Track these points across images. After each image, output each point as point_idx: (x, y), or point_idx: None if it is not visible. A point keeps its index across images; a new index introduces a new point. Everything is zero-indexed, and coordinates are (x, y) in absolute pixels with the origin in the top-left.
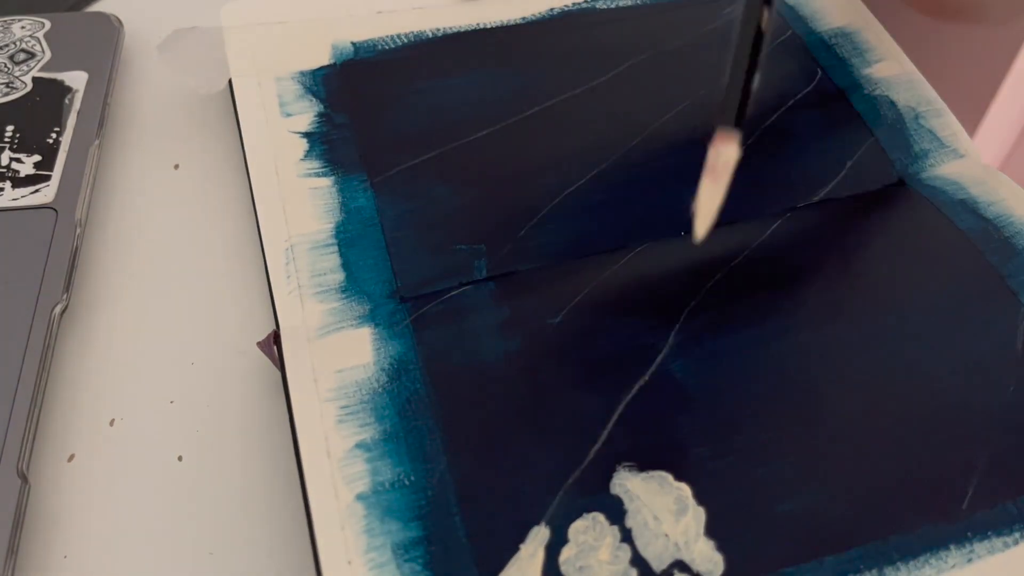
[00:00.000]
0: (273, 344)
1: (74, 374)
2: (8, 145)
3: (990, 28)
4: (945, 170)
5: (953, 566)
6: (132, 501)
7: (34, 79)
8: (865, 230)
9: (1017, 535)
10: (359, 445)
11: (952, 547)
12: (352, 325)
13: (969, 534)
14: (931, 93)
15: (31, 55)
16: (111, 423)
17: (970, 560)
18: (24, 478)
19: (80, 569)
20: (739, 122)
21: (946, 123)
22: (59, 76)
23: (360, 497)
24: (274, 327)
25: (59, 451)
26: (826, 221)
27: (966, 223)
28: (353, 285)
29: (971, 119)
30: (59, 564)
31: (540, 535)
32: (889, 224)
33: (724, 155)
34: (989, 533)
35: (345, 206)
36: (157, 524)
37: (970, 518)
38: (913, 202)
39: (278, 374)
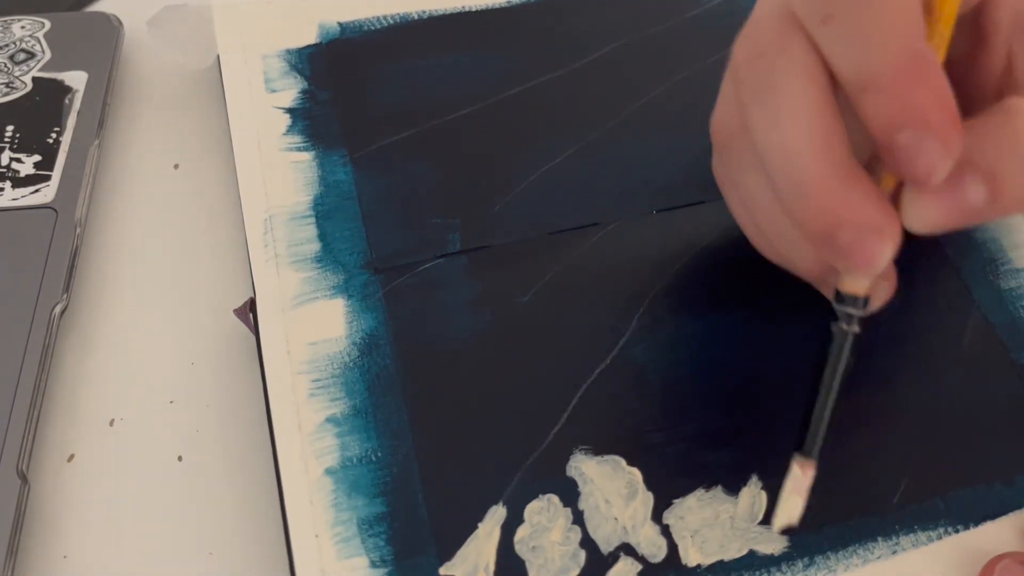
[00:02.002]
0: (249, 311)
1: (74, 374)
2: (8, 145)
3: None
4: None
5: (879, 557)
6: (132, 501)
7: (34, 79)
8: None
9: (942, 530)
10: (329, 419)
11: (880, 539)
12: (326, 295)
13: (897, 527)
14: None
15: (31, 55)
16: (111, 423)
17: (895, 552)
18: (24, 478)
19: (80, 569)
20: (820, 453)
21: None
22: (59, 76)
23: (329, 471)
24: (251, 295)
25: (59, 451)
26: None
27: None
28: (328, 255)
29: None
30: (59, 564)
31: (497, 514)
32: None
33: (807, 481)
34: (915, 527)
35: (324, 179)
36: (157, 524)
37: (899, 512)
38: None
39: None
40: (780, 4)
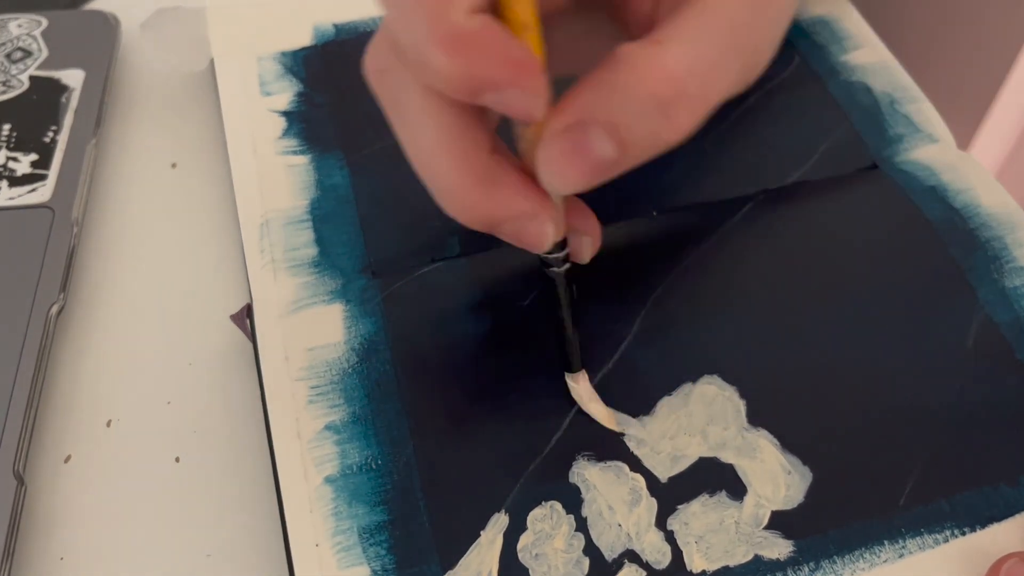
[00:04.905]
0: (246, 317)
1: (71, 375)
2: (5, 144)
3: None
4: (918, 154)
5: (885, 561)
6: (129, 502)
7: (31, 77)
8: (834, 217)
9: (948, 533)
10: (329, 427)
11: (886, 543)
12: (324, 300)
13: (903, 530)
14: (907, 80)
15: (28, 53)
16: (108, 424)
17: (902, 556)
18: (20, 479)
19: (77, 571)
20: (581, 366)
21: (921, 109)
22: (56, 74)
23: (329, 480)
24: (248, 300)
25: (56, 452)
26: (797, 205)
27: (934, 213)
28: (326, 260)
29: (973, 121)
30: (56, 566)
31: (500, 522)
32: (858, 211)
33: (584, 387)
34: (922, 530)
35: (321, 183)
36: (154, 526)
37: (905, 515)
38: (884, 189)
39: None
40: None
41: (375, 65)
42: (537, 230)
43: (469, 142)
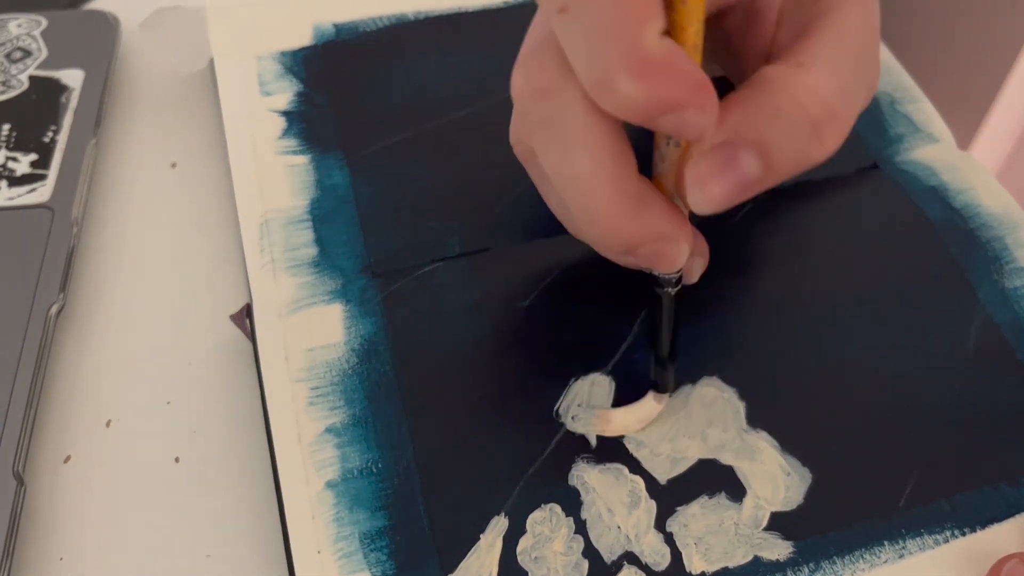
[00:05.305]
0: (246, 317)
1: (70, 375)
2: (4, 144)
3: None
4: (919, 154)
5: (886, 561)
6: (129, 503)
7: (31, 77)
8: (834, 217)
9: (948, 533)
10: (329, 430)
11: (886, 543)
12: (324, 300)
13: (903, 531)
14: (907, 80)
15: (27, 53)
16: (108, 424)
17: (902, 556)
18: (20, 479)
19: (76, 571)
20: (671, 390)
21: (921, 108)
22: (56, 74)
23: (330, 484)
24: (248, 300)
25: (55, 452)
26: (797, 205)
27: (935, 213)
28: (326, 259)
29: (973, 121)
30: (55, 567)
31: (499, 525)
32: (859, 212)
33: (655, 410)
34: (922, 531)
35: (321, 183)
36: (154, 526)
37: (905, 516)
38: (884, 189)
39: None
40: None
41: (534, 84)
42: (674, 251)
43: (624, 165)
